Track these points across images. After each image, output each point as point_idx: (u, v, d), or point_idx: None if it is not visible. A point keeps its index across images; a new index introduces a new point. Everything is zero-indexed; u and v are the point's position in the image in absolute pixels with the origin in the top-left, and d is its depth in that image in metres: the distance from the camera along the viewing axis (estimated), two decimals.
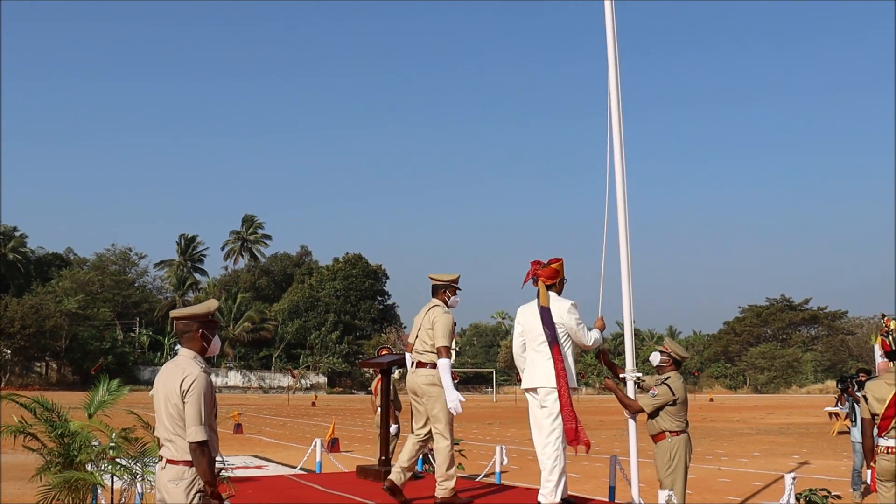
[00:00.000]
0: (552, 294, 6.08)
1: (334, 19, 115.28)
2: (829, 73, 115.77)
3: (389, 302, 76.16)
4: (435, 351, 6.45)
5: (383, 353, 10.38)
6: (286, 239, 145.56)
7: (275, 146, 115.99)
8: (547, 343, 5.91)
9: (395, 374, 8.04)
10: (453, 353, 6.14)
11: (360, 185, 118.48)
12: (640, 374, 6.49)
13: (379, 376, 9.21)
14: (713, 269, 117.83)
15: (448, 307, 6.67)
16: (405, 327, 75.05)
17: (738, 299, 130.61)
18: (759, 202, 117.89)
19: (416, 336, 6.63)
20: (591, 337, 6.07)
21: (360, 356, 65.48)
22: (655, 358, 6.38)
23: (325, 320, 70.32)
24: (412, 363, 6.58)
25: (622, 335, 6.68)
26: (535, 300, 6.10)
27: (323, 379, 68.67)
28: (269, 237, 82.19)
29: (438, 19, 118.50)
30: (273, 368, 69.56)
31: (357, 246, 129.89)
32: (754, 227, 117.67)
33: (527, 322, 6.13)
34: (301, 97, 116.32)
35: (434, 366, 6.46)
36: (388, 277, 75.71)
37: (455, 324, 6.82)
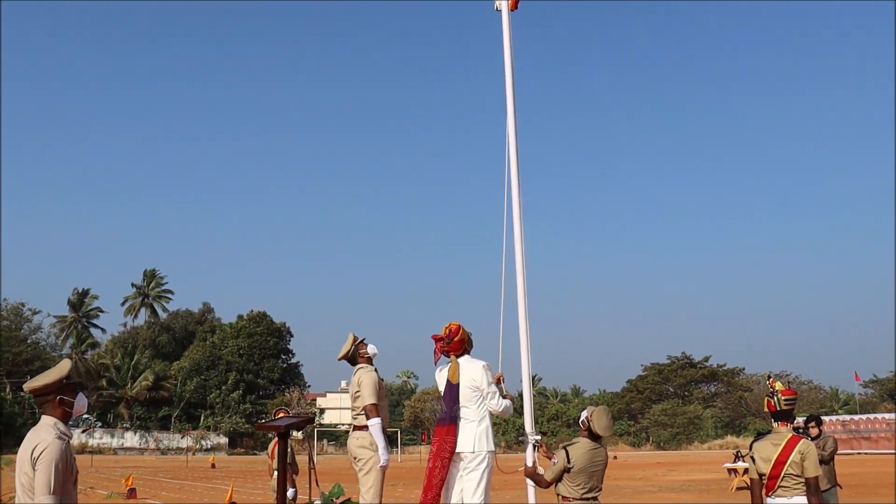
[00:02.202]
0: (465, 358, 6.15)
1: (234, 80, 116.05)
2: (691, 140, 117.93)
3: (293, 361, 74.93)
4: (365, 413, 6.50)
5: (280, 415, 10.28)
6: (188, 295, 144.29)
7: (179, 201, 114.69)
8: (469, 407, 5.98)
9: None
10: (496, 394, 6.18)
11: (265, 243, 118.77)
12: (538, 437, 6.39)
13: (276, 439, 9.16)
14: (616, 328, 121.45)
15: (371, 364, 6.81)
16: (309, 386, 75.89)
17: (640, 357, 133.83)
18: (660, 262, 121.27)
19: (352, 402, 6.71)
20: (502, 404, 6.10)
21: (263, 416, 64.37)
22: (583, 415, 6.25)
23: (227, 379, 68.59)
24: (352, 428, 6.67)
25: (523, 393, 6.67)
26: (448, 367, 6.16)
27: (224, 439, 66.78)
28: (170, 293, 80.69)
29: (333, 86, 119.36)
30: (172, 429, 67.28)
31: (261, 303, 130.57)
32: (656, 286, 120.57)
33: None
34: (204, 154, 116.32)
35: (366, 428, 6.52)
36: (292, 336, 74.77)
37: (381, 380, 6.91)
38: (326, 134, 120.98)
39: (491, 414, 6.11)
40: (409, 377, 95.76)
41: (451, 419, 5.97)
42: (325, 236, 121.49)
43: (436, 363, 6.27)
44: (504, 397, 6.21)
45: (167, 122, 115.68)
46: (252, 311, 73.33)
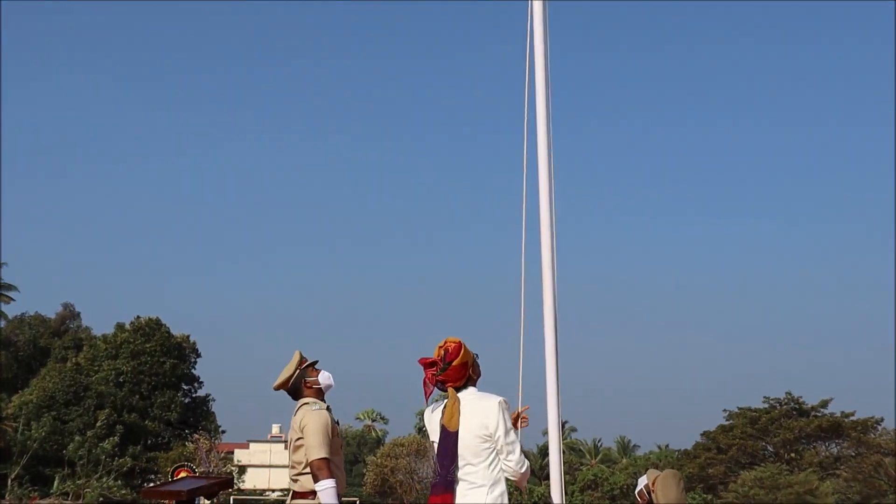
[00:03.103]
0: (469, 392, 6.45)
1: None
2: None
3: (201, 393, 73.75)
4: (310, 471, 7.03)
5: (181, 475, 11.89)
6: (40, 293, 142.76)
7: (28, 159, 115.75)
8: (475, 465, 6.27)
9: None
10: (517, 445, 6.27)
11: (158, 224, 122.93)
12: None
13: None
14: (685, 354, 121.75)
15: (322, 401, 7.37)
16: (223, 432, 75.32)
17: (723, 400, 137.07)
18: (752, 263, 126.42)
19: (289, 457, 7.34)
20: (525, 464, 6.37)
21: (153, 477, 63.40)
22: (640, 483, 7.08)
23: (97, 419, 65.40)
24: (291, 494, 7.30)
25: (550, 449, 6.94)
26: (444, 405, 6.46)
27: None
28: (13, 288, 77.57)
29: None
30: (8, 496, 62.55)
31: (153, 307, 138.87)
32: (746, 296, 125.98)
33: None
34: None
35: (314, 495, 7.03)
36: (199, 356, 73.77)
37: (336, 423, 7.40)
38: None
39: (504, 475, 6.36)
40: (373, 420, 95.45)
41: (447, 485, 6.25)
42: (251, 212, 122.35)
43: (427, 399, 6.56)
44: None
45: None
46: (139, 318, 71.69)
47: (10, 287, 77.51)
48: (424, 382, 6.48)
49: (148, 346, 69.93)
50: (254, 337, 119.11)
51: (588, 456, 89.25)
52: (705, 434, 79.33)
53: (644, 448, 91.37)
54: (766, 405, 77.20)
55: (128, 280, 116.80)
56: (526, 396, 6.78)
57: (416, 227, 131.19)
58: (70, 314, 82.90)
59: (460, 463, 6.24)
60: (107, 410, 66.24)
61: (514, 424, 6.51)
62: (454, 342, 6.41)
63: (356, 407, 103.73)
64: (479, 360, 6.54)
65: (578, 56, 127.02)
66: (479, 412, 6.27)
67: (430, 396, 6.51)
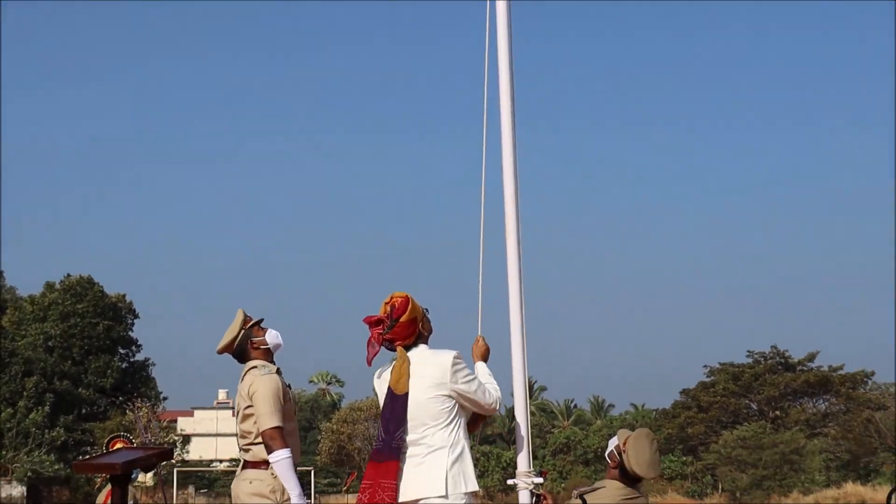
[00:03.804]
0: (420, 349, 6.40)
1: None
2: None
3: (139, 357, 73.23)
4: (262, 441, 6.98)
5: (117, 445, 11.10)
6: None
7: None
8: (431, 427, 6.22)
9: None
10: (479, 382, 6.46)
11: (87, 173, 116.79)
12: (538, 481, 6.62)
13: (108, 487, 9.69)
14: (663, 309, 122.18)
15: (271, 363, 7.34)
16: (165, 399, 75.13)
17: (702, 355, 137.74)
18: (733, 209, 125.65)
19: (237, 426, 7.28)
20: (493, 395, 6.40)
21: (88, 449, 61.84)
22: (611, 444, 6.76)
23: (24, 388, 64.83)
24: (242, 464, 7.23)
25: (515, 410, 6.77)
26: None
27: (19, 489, 64.24)
28: None
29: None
30: None
31: (85, 265, 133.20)
32: (729, 244, 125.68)
33: None
34: None
35: (266, 465, 7.02)
36: (136, 317, 73.33)
37: (288, 387, 7.40)
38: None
39: (467, 438, 6.29)
40: (328, 383, 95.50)
41: (391, 451, 6.19)
42: (190, 152, 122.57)
43: (370, 362, 6.46)
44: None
45: None
46: (69, 276, 71.10)
47: None
48: (369, 342, 6.44)
49: (79, 307, 69.20)
50: (197, 296, 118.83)
51: (560, 418, 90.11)
52: (685, 392, 79.56)
53: (619, 408, 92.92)
54: (750, 360, 77.72)
55: (56, 235, 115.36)
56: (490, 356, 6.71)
57: (368, 183, 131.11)
58: None
59: (416, 426, 6.22)
60: (35, 378, 65.38)
61: (476, 353, 6.64)
62: (401, 297, 6.41)
63: (309, 369, 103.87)
64: (429, 315, 6.52)
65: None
66: (432, 369, 6.24)
67: (375, 357, 6.46)
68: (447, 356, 6.27)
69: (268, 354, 7.35)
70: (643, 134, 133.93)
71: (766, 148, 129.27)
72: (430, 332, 6.51)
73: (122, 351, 72.65)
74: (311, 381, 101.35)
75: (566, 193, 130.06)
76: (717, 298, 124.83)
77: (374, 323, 6.41)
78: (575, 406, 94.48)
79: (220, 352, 7.41)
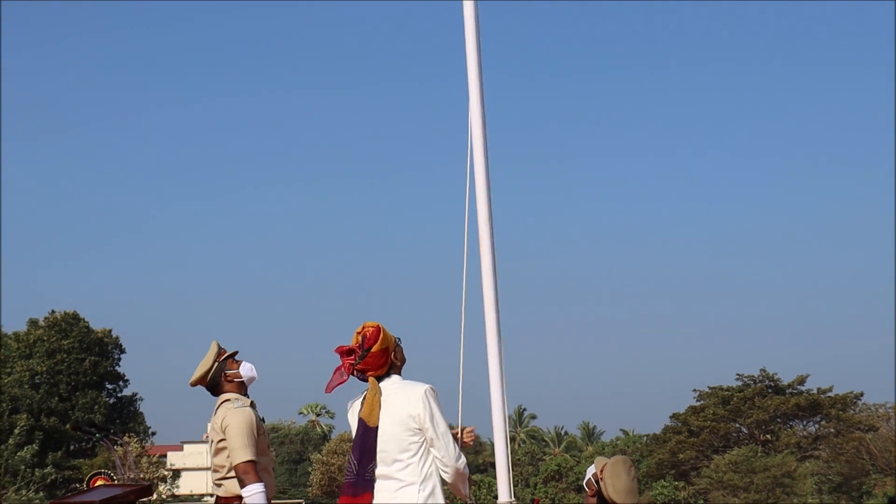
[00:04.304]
0: (393, 381, 6.32)
1: None
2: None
3: (126, 392, 73.26)
4: (235, 475, 6.92)
5: (97, 483, 13.13)
6: None
7: None
8: (402, 460, 6.15)
9: None
10: (449, 437, 6.24)
11: (71, 208, 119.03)
12: None
13: None
14: (651, 333, 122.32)
15: (244, 395, 7.27)
16: (153, 434, 74.82)
17: (692, 378, 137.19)
18: (722, 229, 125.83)
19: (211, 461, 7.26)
20: (456, 452, 6.18)
21: (77, 486, 61.17)
22: (588, 472, 6.82)
23: (13, 426, 63.95)
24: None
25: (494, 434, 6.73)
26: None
27: None
28: None
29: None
30: None
31: (70, 301, 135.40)
32: (717, 265, 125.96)
33: None
34: None
35: (240, 500, 6.93)
36: (123, 351, 73.15)
37: (262, 421, 7.29)
38: None
39: (438, 474, 6.17)
40: (318, 414, 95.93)
41: (365, 484, 6.14)
42: (171, 189, 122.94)
43: (329, 389, 6.45)
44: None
45: None
46: (53, 312, 70.95)
47: None
48: (336, 370, 6.37)
49: (65, 342, 69.05)
50: (183, 330, 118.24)
51: (552, 445, 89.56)
52: (675, 416, 79.06)
53: (610, 434, 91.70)
54: (740, 383, 77.28)
55: (41, 272, 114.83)
56: (468, 384, 6.56)
57: (350, 213, 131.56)
58: None
59: (386, 459, 6.13)
60: (23, 416, 65.21)
61: (456, 440, 6.32)
62: (372, 326, 6.30)
63: (298, 401, 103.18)
64: (401, 344, 6.44)
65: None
66: (403, 401, 6.15)
67: (336, 387, 6.42)
68: (419, 389, 6.19)
69: (241, 387, 7.31)
70: (631, 153, 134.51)
71: (755, 172, 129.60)
72: (402, 361, 6.44)
73: (109, 386, 72.39)
74: (300, 413, 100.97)
75: (549, 215, 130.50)
76: (705, 322, 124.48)
77: (345, 353, 6.35)
78: (566, 433, 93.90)
79: (194, 384, 7.35)
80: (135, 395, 73.93)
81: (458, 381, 6.63)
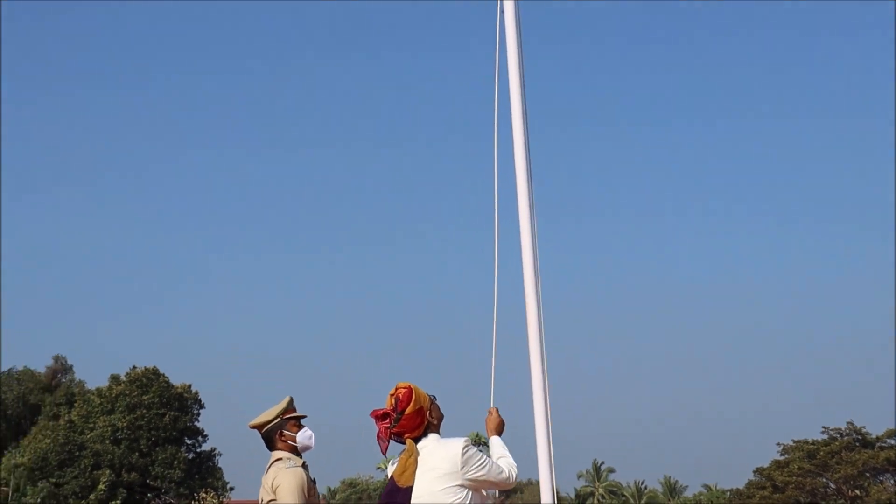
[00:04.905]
0: (430, 440, 6.29)
1: None
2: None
3: (205, 447, 73.00)
4: None
5: None
6: (28, 345, 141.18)
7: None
8: None
9: None
10: (488, 462, 6.27)
11: (151, 268, 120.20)
12: None
13: None
14: (733, 384, 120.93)
15: (298, 456, 7.27)
16: (232, 489, 74.22)
17: (776, 431, 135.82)
18: (802, 270, 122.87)
19: None
20: (505, 470, 6.28)
21: None
22: None
23: (96, 481, 65.31)
24: None
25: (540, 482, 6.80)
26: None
27: None
28: None
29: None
30: None
31: (151, 356, 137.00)
32: (798, 320, 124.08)
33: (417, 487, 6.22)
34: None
35: None
36: (202, 406, 73.32)
37: (311, 481, 7.27)
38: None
39: None
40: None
41: None
42: (253, 244, 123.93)
43: (384, 453, 6.45)
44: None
45: None
46: (135, 368, 71.54)
47: None
48: (378, 437, 6.38)
49: (145, 398, 69.58)
50: (262, 384, 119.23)
51: (632, 500, 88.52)
52: (758, 471, 78.36)
53: (692, 489, 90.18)
54: (826, 436, 76.13)
55: (122, 328, 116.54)
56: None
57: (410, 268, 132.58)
58: (62, 367, 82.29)
59: None
60: (106, 471, 66.17)
61: (489, 425, 6.60)
62: (405, 387, 6.29)
63: (376, 456, 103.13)
64: (437, 401, 6.41)
65: (554, 52, 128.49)
66: (441, 461, 6.13)
67: (388, 449, 6.39)
68: (456, 446, 6.17)
69: (294, 451, 7.30)
70: (715, 194, 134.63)
71: (842, 224, 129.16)
72: (439, 419, 6.40)
73: (188, 441, 72.41)
74: (378, 468, 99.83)
75: (618, 262, 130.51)
76: (789, 373, 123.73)
77: (380, 417, 6.35)
78: (646, 487, 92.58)
79: (251, 427, 7.42)
80: (213, 450, 73.84)
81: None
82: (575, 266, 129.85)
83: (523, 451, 6.66)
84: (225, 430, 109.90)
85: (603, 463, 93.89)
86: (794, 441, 77.60)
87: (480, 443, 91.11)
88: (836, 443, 74.83)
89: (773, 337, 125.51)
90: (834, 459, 73.98)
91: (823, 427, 76.85)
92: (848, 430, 75.65)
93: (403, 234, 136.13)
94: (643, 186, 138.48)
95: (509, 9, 7.67)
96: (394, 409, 6.27)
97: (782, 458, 77.04)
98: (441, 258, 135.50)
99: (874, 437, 75.24)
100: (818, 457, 74.39)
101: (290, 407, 7.31)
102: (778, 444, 79.56)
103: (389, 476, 6.33)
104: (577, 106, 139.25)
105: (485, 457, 6.22)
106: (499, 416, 6.66)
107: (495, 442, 6.52)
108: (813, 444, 75.69)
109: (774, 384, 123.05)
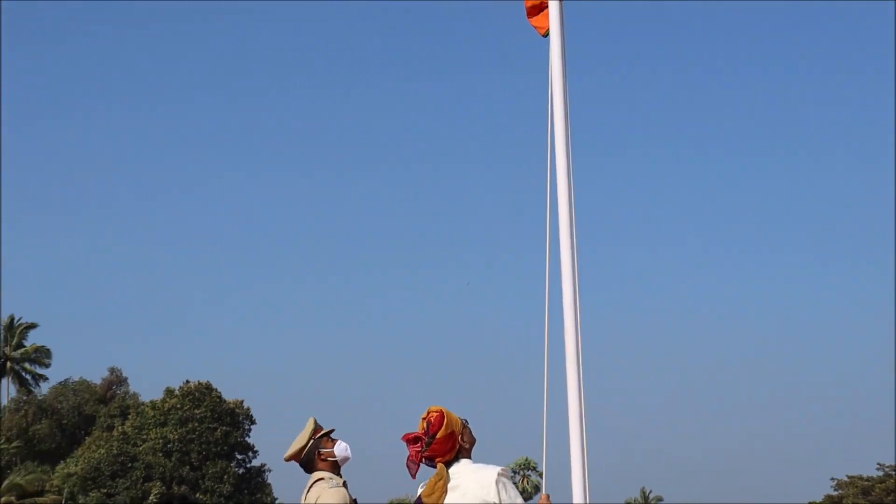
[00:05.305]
0: (463, 464, 6.27)
1: None
2: None
3: (255, 463, 73.19)
4: None
5: None
6: (83, 356, 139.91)
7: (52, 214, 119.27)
8: None
9: None
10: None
11: (209, 274, 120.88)
12: None
13: None
14: (786, 415, 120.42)
15: (338, 475, 7.18)
16: None
17: (829, 466, 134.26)
18: (849, 308, 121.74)
19: None
20: None
21: None
22: None
23: (147, 492, 65.66)
24: None
25: None
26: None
27: None
28: (47, 353, 79.96)
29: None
30: None
31: (204, 370, 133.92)
32: (851, 348, 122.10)
33: None
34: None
35: None
36: (253, 422, 73.41)
37: (353, 500, 7.17)
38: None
39: None
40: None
41: None
42: (308, 260, 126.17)
43: (414, 476, 6.44)
44: None
45: None
46: (188, 382, 71.73)
47: (45, 352, 79.82)
48: (408, 461, 6.38)
49: (197, 412, 69.78)
50: (313, 402, 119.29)
51: None
52: None
53: None
54: (881, 472, 75.62)
55: (177, 342, 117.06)
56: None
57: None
58: (117, 379, 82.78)
59: None
60: (157, 483, 66.44)
61: None
62: (436, 411, 6.28)
63: (424, 475, 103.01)
64: (469, 426, 6.38)
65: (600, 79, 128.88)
66: (473, 486, 6.09)
67: (417, 473, 6.38)
68: (491, 472, 6.13)
69: (335, 467, 7.26)
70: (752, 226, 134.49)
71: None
72: (472, 443, 6.37)
73: (238, 457, 72.49)
74: (422, 486, 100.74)
75: (665, 295, 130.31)
76: (842, 406, 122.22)
77: (411, 441, 6.34)
78: None
79: (288, 459, 7.39)
80: (263, 465, 73.86)
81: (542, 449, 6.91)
82: (627, 291, 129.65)
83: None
84: (275, 446, 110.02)
85: (651, 491, 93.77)
86: (848, 477, 77.04)
87: (530, 467, 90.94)
88: (892, 479, 74.38)
89: (829, 367, 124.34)
90: (890, 497, 73.50)
91: (878, 463, 76.12)
92: None
93: (454, 258, 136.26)
94: (711, 215, 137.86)
95: (555, 36, 7.80)
96: (425, 433, 6.25)
97: (836, 493, 76.63)
98: (489, 287, 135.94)
99: None
100: (873, 493, 74.09)
101: (317, 426, 7.33)
102: (832, 479, 79.06)
103: (418, 496, 6.31)
104: (622, 132, 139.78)
105: (517, 490, 6.16)
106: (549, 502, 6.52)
107: None
108: (868, 480, 75.18)
109: (828, 418, 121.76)
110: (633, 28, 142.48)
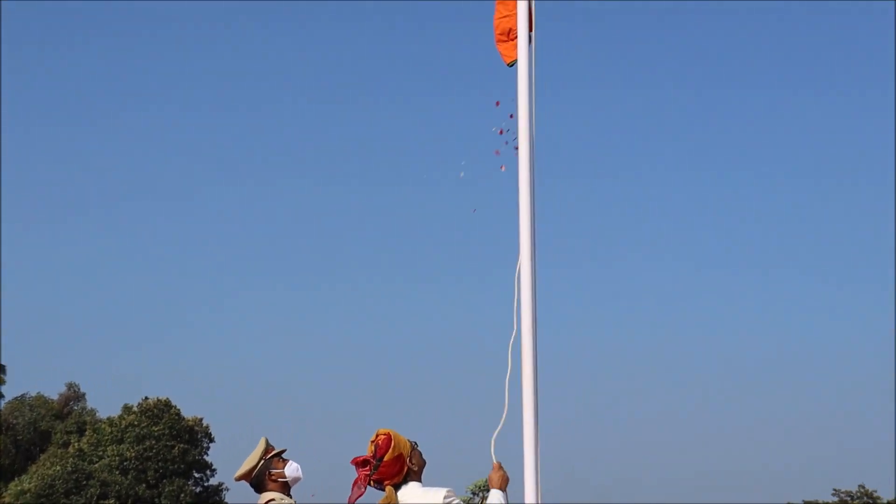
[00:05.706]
0: (411, 487, 6.31)
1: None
2: None
3: (213, 481, 72.50)
4: None
5: None
6: (39, 373, 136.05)
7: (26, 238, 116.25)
8: None
9: None
10: None
11: (170, 290, 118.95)
12: None
13: None
14: (740, 439, 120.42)
15: (287, 496, 7.14)
16: None
17: (784, 493, 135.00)
18: (805, 331, 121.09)
19: None
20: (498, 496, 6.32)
21: None
22: None
23: None
24: None
25: None
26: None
27: None
28: (2, 369, 77.03)
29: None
30: None
31: (163, 387, 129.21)
32: (804, 372, 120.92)
33: None
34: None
35: None
36: (212, 440, 73.01)
37: None
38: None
39: None
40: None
41: None
42: (269, 277, 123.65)
43: (351, 501, 6.40)
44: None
45: None
46: (146, 398, 71.19)
47: None
48: (354, 483, 6.37)
49: (156, 429, 69.33)
50: (274, 421, 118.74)
51: None
52: None
53: None
54: (836, 499, 75.74)
55: (137, 358, 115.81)
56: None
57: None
58: (74, 395, 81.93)
59: None
60: (113, 501, 65.98)
61: (492, 480, 6.42)
62: (384, 434, 6.31)
63: (371, 498, 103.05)
64: (419, 448, 6.40)
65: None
66: None
67: (359, 500, 6.37)
68: (437, 495, 6.20)
69: (285, 487, 7.25)
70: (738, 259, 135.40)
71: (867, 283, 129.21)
72: (421, 466, 6.40)
73: (196, 475, 71.83)
74: None
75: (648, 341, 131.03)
76: (798, 432, 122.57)
77: (360, 464, 6.36)
78: None
79: (238, 479, 7.37)
80: (221, 484, 73.21)
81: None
82: (618, 311, 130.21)
83: None
84: (233, 465, 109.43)
85: None
86: (804, 502, 77.26)
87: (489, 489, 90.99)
88: None
89: (782, 394, 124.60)
90: None
91: (834, 489, 76.30)
92: (859, 494, 75.12)
93: (422, 275, 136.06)
94: (703, 233, 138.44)
95: (523, 66, 7.59)
96: (373, 456, 6.28)
97: None
98: (448, 301, 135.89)
99: (886, 501, 74.58)
100: None
101: (269, 446, 7.30)
102: None
103: None
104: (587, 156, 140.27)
105: None
106: (502, 470, 6.53)
107: (495, 495, 6.41)
108: None
109: (783, 443, 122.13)
110: (603, 53, 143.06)
